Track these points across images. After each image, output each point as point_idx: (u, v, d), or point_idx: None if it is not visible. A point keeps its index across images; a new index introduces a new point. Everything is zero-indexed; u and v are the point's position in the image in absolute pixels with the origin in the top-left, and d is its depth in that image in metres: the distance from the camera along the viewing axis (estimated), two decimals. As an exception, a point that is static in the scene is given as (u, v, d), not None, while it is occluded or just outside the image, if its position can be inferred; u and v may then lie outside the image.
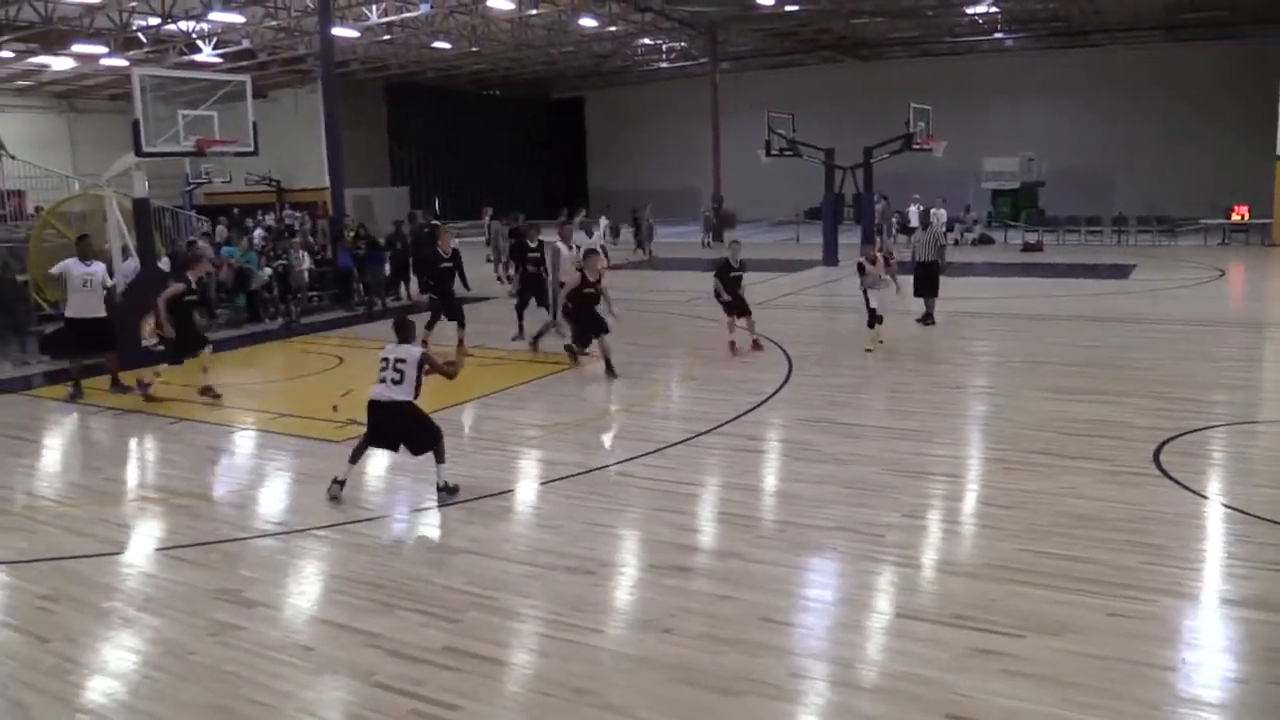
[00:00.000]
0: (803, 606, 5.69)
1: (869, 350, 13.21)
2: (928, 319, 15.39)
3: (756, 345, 13.46)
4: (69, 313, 11.76)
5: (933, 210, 24.10)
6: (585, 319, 11.99)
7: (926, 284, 15.46)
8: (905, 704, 4.52)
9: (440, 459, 7.61)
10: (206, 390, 11.53)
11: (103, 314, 11.72)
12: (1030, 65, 39.18)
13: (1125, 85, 36.98)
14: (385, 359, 7.53)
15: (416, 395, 7.56)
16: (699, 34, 36.18)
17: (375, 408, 7.57)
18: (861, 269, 13.70)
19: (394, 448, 7.88)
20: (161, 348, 11.82)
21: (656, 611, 5.59)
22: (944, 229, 23.11)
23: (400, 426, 7.56)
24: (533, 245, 15.11)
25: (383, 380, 7.49)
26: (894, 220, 30.25)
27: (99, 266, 11.79)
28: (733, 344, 13.34)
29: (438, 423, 7.80)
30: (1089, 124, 37.76)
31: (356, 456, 7.80)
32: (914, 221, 28.04)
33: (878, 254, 14.28)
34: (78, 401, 11.50)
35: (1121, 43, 37.02)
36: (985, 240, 31.00)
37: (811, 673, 4.89)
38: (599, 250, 14.22)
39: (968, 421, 10.02)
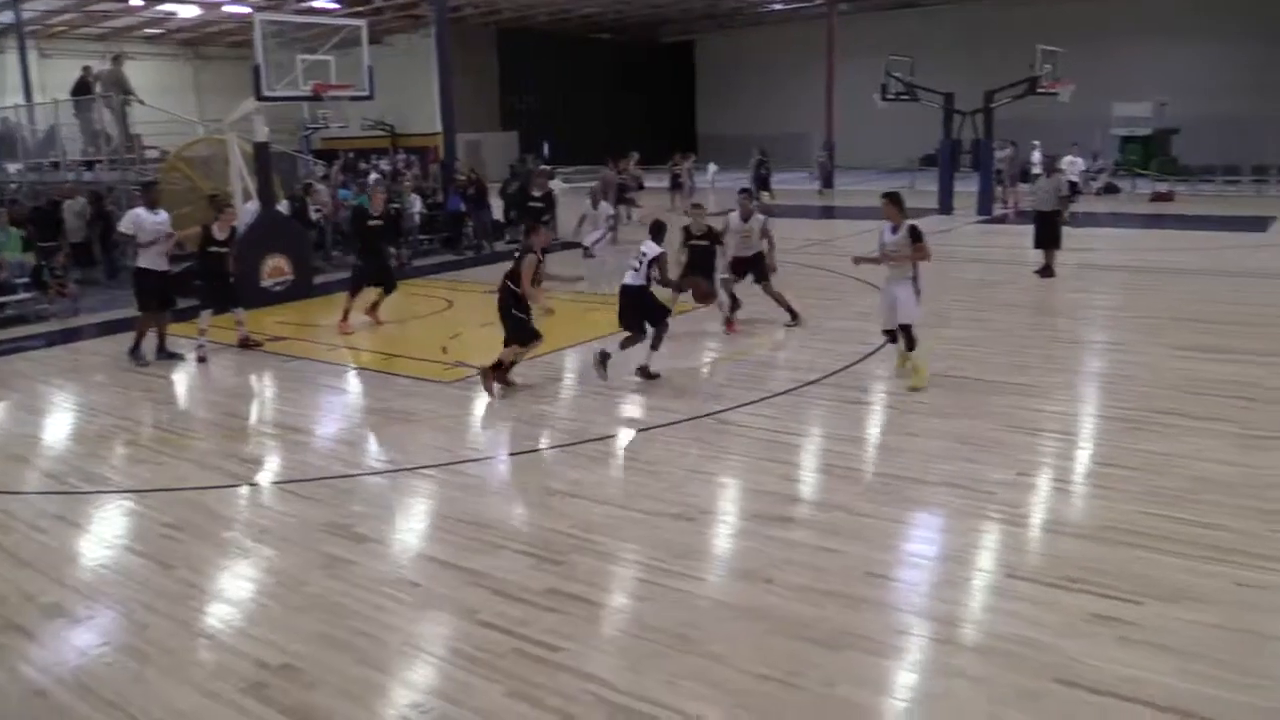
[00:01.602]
0: (907, 562, 5.56)
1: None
2: (1047, 271, 14.81)
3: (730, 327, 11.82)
4: (141, 263, 10.89)
5: (1067, 159, 23.00)
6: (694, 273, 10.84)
7: (1047, 235, 14.85)
8: (1011, 665, 4.39)
9: (655, 345, 9.36)
10: (245, 341, 11.49)
11: (165, 267, 10.98)
12: (1165, 4, 36.96)
13: (1269, 25, 34.59)
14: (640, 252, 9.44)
15: (648, 284, 9.36)
16: (815, -26, 35.20)
17: (620, 291, 9.51)
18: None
19: (639, 329, 9.40)
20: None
21: (758, 561, 5.54)
22: (1071, 179, 22.08)
23: (632, 305, 9.36)
24: (536, 195, 15.00)
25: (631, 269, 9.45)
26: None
27: (165, 216, 10.98)
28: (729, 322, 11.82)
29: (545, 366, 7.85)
30: (1228, 67, 35.52)
31: (625, 345, 9.43)
32: (1037, 169, 26.96)
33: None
34: (138, 361, 10.97)
35: (1270, -21, 34.65)
36: (1111, 189, 29.56)
37: (915, 630, 4.78)
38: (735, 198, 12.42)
39: (1088, 378, 9.62)
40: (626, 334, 9.48)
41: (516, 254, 9.55)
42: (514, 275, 9.08)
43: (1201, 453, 7.02)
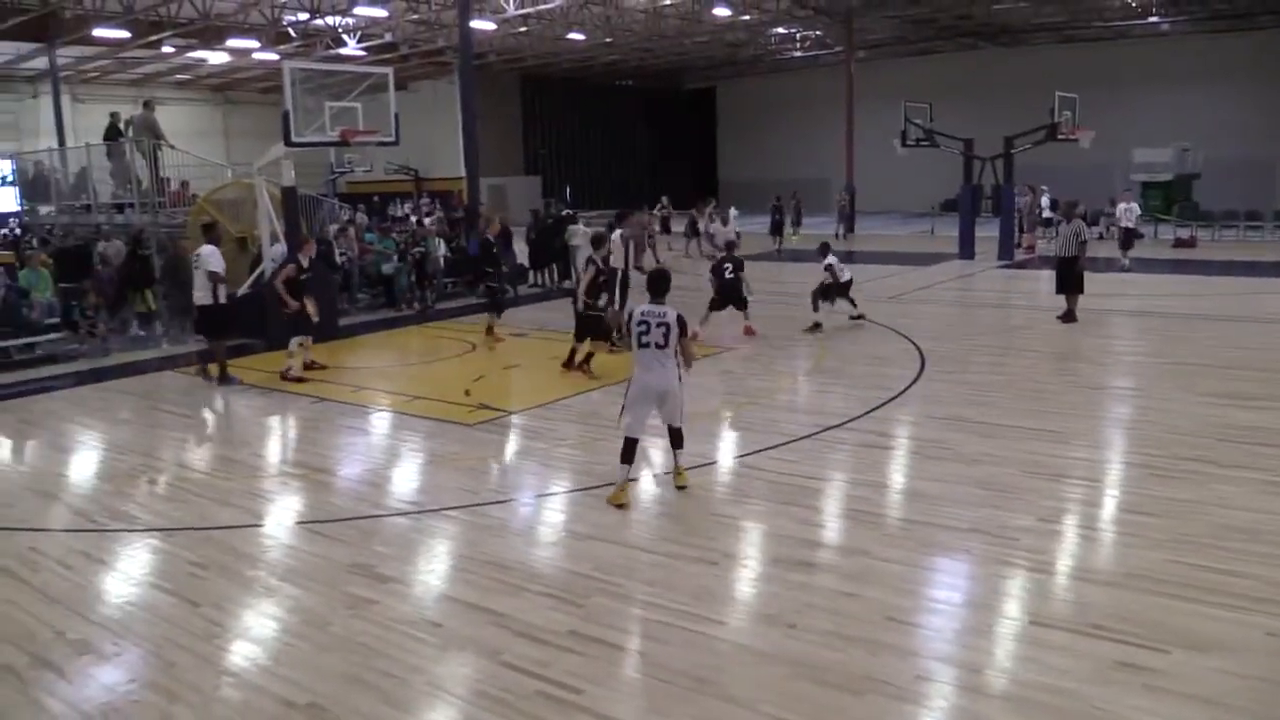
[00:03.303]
0: (930, 608, 5.54)
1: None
2: (1069, 316, 14.79)
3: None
4: (219, 298, 11.93)
5: (1122, 206, 22.81)
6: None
7: (1068, 280, 14.85)
8: (1037, 714, 4.36)
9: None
10: (310, 367, 12.30)
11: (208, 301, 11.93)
12: (1187, 50, 37.15)
13: (1287, 69, 34.72)
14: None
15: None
16: (835, 22, 35.58)
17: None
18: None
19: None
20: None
21: (780, 606, 5.53)
22: (1126, 225, 22.13)
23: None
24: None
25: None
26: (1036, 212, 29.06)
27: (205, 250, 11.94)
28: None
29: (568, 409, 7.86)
30: (1250, 112, 35.60)
31: None
32: (1047, 213, 26.99)
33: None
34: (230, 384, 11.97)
35: (1288, 25, 34.76)
36: (1133, 235, 29.47)
37: (938, 676, 4.76)
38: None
39: (1111, 424, 9.58)
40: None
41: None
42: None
43: (1228, 500, 6.97)
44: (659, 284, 7.52)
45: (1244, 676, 4.61)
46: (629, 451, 7.27)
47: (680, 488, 7.55)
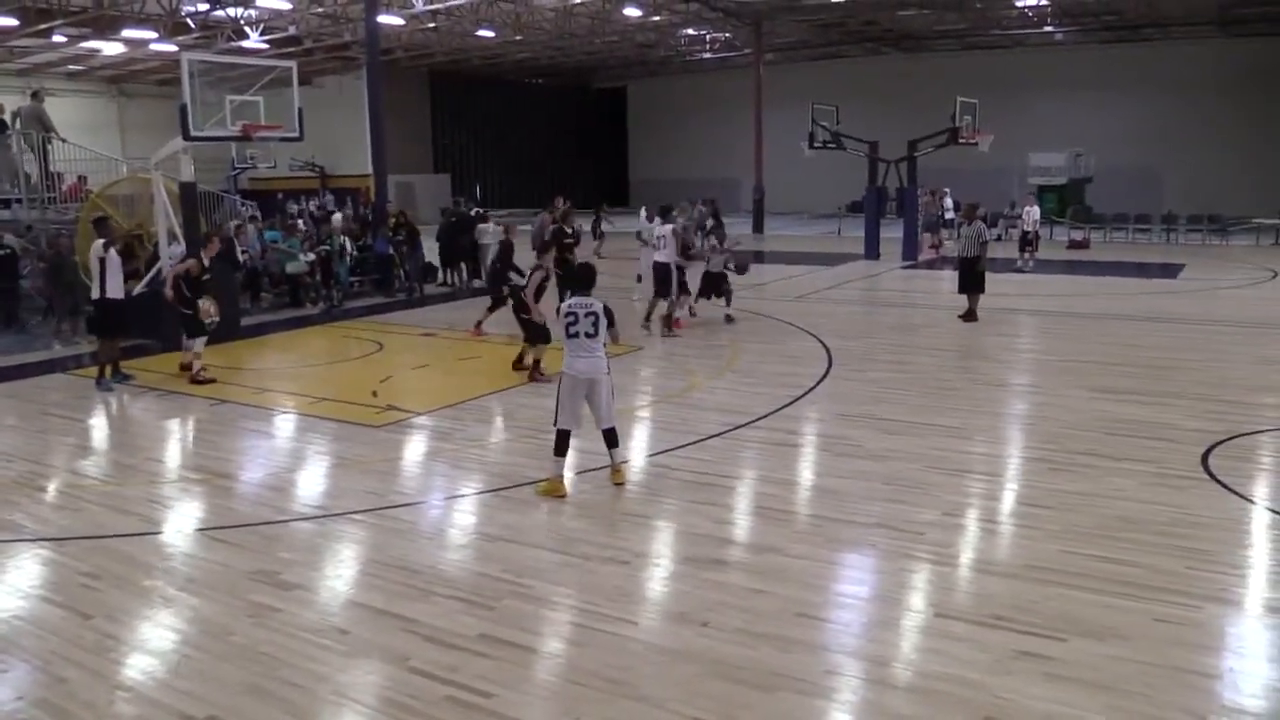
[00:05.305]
0: (839, 603, 5.63)
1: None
2: (970, 316, 15.20)
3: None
4: (109, 294, 11.58)
5: (1025, 209, 23.42)
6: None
7: (969, 280, 15.26)
8: (942, 705, 4.46)
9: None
10: (186, 369, 11.93)
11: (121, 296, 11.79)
12: (1079, 60, 38.54)
13: (1177, 81, 36.31)
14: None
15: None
16: (744, 25, 35.94)
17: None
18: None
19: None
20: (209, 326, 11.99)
21: (692, 604, 5.55)
22: (1026, 229, 22.79)
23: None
24: (569, 231, 15.24)
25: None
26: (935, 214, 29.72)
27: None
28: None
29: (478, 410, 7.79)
30: (1139, 120, 37.09)
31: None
32: (950, 214, 27.72)
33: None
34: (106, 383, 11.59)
35: (1174, 37, 36.27)
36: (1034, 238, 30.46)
37: (847, 670, 4.83)
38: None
39: (1010, 420, 9.88)
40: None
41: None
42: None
43: (1119, 492, 7.25)
44: (585, 277, 7.95)
45: (1137, 662, 4.78)
46: (563, 444, 7.49)
47: (618, 484, 7.61)
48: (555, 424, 7.51)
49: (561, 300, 8.34)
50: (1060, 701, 4.43)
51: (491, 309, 13.90)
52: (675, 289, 14.40)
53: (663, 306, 14.47)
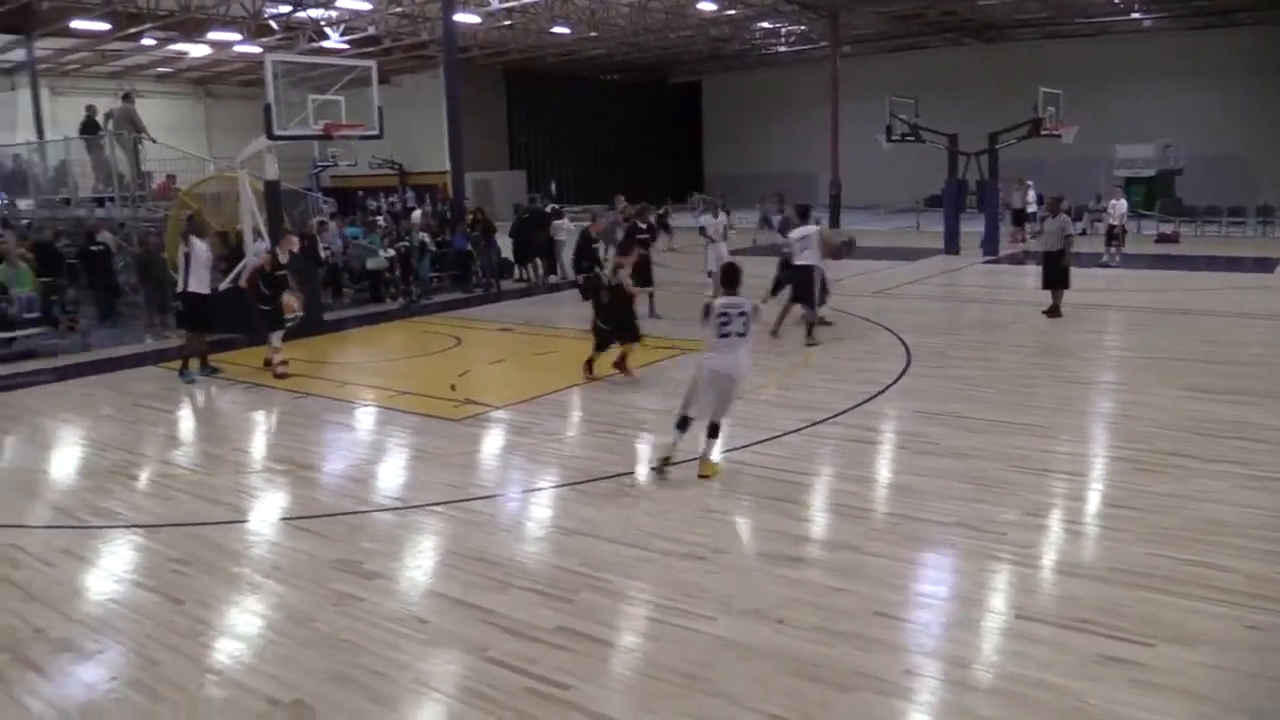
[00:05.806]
0: (918, 602, 5.55)
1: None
2: (1054, 311, 14.84)
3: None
4: (193, 287, 11.99)
5: (1112, 202, 22.83)
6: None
7: (1053, 275, 14.90)
8: (1024, 708, 4.37)
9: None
10: (269, 364, 12.08)
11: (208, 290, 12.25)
12: (1168, 47, 37.27)
13: (1272, 67, 34.89)
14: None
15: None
16: (820, 17, 35.56)
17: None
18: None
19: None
20: (289, 325, 12.31)
21: (769, 601, 5.52)
22: (1112, 222, 22.26)
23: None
24: (643, 226, 15.22)
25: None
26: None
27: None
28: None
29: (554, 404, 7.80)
30: (1233, 108, 35.74)
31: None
32: (1032, 207, 27.04)
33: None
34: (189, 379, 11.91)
35: (1270, 21, 34.87)
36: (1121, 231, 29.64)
37: (926, 670, 4.76)
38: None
39: (1095, 419, 9.62)
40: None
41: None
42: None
43: (1209, 494, 7.02)
44: (733, 277, 7.91)
45: (1227, 669, 4.63)
46: (684, 425, 7.74)
47: (703, 476, 7.67)
48: (683, 410, 7.76)
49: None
50: (1148, 709, 4.32)
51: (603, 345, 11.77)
52: (818, 293, 13.48)
53: (799, 312, 13.52)
